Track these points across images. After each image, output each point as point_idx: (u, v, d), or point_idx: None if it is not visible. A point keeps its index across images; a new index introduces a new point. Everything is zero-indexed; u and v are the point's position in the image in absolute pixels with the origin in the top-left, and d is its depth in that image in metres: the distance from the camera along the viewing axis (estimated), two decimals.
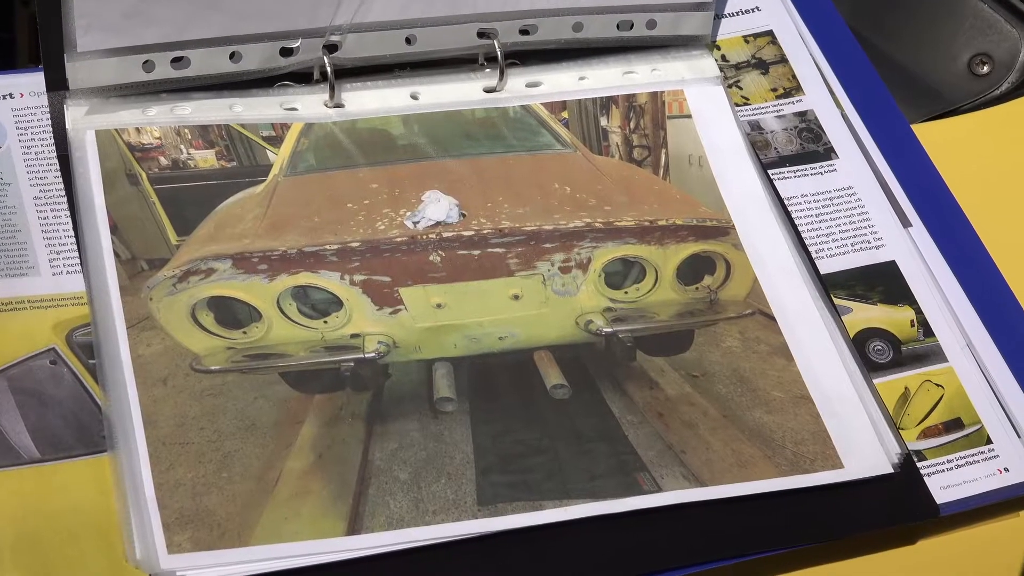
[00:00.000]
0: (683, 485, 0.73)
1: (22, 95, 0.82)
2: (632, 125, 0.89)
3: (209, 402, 0.71)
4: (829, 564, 0.76)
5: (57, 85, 0.80)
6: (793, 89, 0.91)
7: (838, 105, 0.91)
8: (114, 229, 0.77)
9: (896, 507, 0.75)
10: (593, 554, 0.71)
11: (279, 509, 0.68)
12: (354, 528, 0.68)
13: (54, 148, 0.80)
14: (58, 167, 0.79)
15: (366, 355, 0.75)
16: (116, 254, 0.76)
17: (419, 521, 0.69)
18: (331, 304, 0.77)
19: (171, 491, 0.68)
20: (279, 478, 0.69)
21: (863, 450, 0.76)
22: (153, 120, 0.81)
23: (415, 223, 0.81)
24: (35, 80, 0.82)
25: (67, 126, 0.80)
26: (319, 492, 0.69)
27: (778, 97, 0.91)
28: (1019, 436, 0.79)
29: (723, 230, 0.84)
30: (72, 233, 0.77)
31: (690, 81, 0.90)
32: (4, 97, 0.82)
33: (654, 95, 0.89)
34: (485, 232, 0.81)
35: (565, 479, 0.72)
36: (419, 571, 0.69)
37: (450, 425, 0.73)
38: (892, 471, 0.75)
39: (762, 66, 0.92)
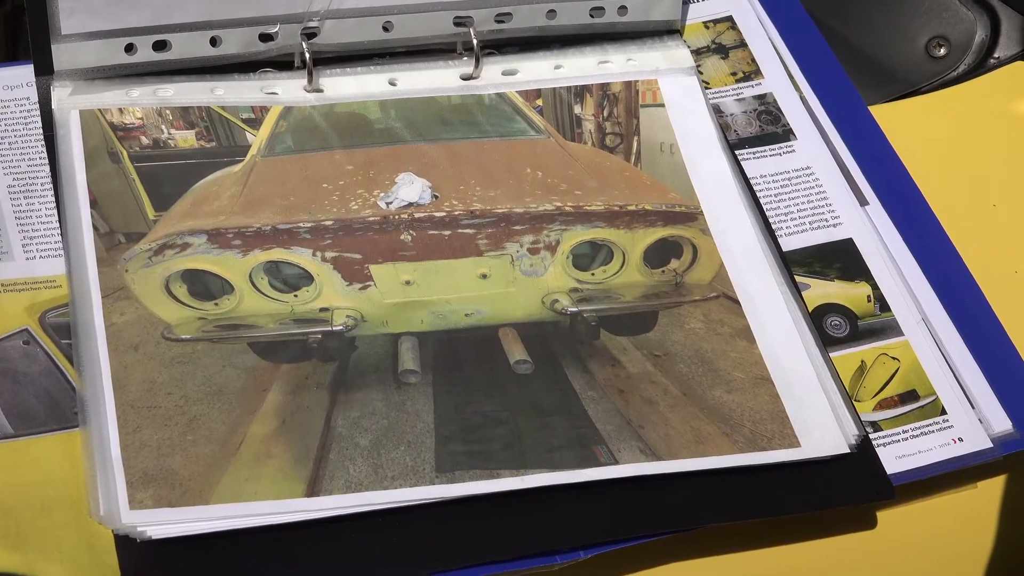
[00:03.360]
0: (640, 459, 0.74)
1: None
2: (605, 113, 0.91)
3: (178, 369, 0.74)
4: (788, 540, 0.77)
5: (44, 70, 0.83)
6: (752, 73, 0.94)
7: (796, 88, 0.93)
8: (94, 203, 0.79)
9: (851, 487, 0.76)
10: (550, 524, 0.72)
11: (241, 471, 0.70)
12: (313, 490, 0.70)
13: (26, 138, 0.83)
14: (30, 158, 0.82)
15: (334, 328, 0.78)
16: (95, 227, 0.78)
17: (377, 486, 0.71)
18: (302, 279, 0.79)
19: (136, 451, 0.70)
20: (242, 442, 0.71)
21: (821, 430, 0.77)
22: (136, 101, 0.84)
23: (388, 203, 0.83)
24: (9, 74, 0.85)
25: (52, 106, 0.82)
26: (281, 456, 0.71)
27: (738, 81, 0.93)
28: (973, 407, 0.80)
29: (691, 216, 0.86)
30: (46, 220, 0.80)
31: (664, 71, 0.92)
32: None
33: (628, 84, 0.91)
34: (456, 213, 0.83)
35: (523, 450, 0.74)
36: (376, 535, 0.70)
37: (413, 396, 0.75)
38: (849, 451, 0.76)
39: (722, 51, 0.94)
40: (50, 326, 0.75)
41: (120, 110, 0.83)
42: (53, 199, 0.80)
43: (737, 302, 0.82)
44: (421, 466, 0.72)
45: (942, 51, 0.99)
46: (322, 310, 0.78)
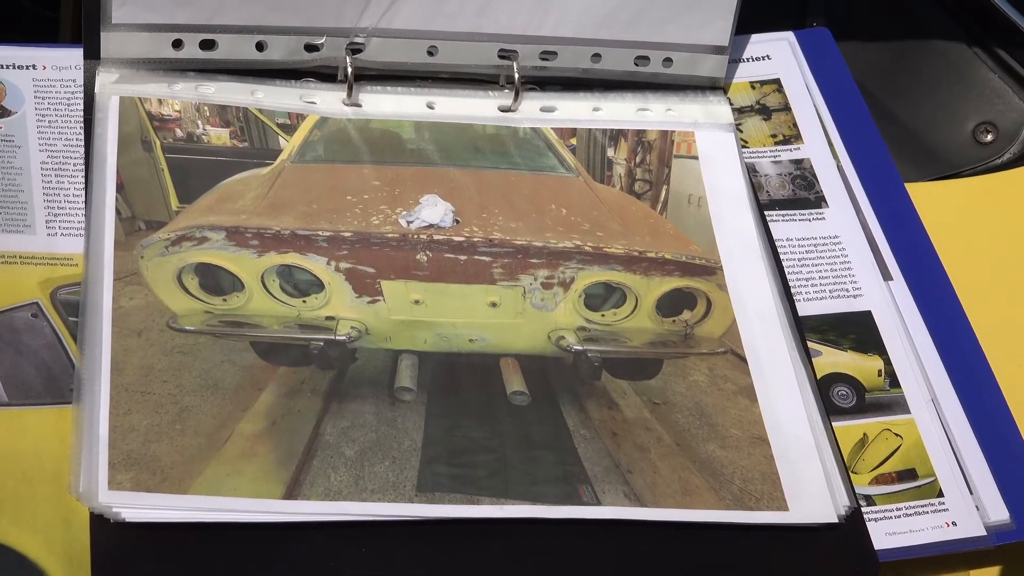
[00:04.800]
0: (623, 503, 0.74)
1: (44, 67, 0.87)
2: (638, 159, 0.91)
3: (177, 359, 0.75)
4: None
5: (93, 54, 0.85)
6: (792, 137, 0.93)
7: (835, 157, 0.93)
8: (120, 188, 0.81)
9: (836, 558, 0.75)
10: (525, 556, 0.72)
11: (223, 466, 0.71)
12: (291, 494, 0.70)
13: (67, 118, 0.84)
14: (67, 138, 0.84)
15: (337, 337, 0.78)
16: (118, 211, 0.80)
17: (356, 497, 0.71)
18: (312, 286, 0.80)
19: (124, 434, 0.71)
20: (229, 438, 0.72)
21: (811, 497, 0.76)
22: (176, 94, 0.85)
23: (409, 222, 0.84)
24: (59, 55, 0.87)
25: (95, 90, 0.84)
26: (265, 456, 0.72)
27: (777, 143, 0.93)
28: (971, 492, 0.79)
29: (710, 270, 0.85)
30: (72, 199, 0.81)
31: (703, 125, 0.92)
32: (27, 68, 0.86)
33: (664, 133, 0.92)
34: (475, 240, 0.83)
35: (507, 479, 0.74)
36: (351, 546, 0.70)
37: (404, 413, 0.75)
38: (837, 521, 0.76)
39: (765, 112, 0.94)
40: (60, 302, 0.77)
41: (160, 101, 0.85)
42: (82, 181, 0.81)
43: (744, 360, 0.82)
44: (403, 483, 0.72)
45: (989, 137, 0.98)
46: (328, 318, 0.79)
